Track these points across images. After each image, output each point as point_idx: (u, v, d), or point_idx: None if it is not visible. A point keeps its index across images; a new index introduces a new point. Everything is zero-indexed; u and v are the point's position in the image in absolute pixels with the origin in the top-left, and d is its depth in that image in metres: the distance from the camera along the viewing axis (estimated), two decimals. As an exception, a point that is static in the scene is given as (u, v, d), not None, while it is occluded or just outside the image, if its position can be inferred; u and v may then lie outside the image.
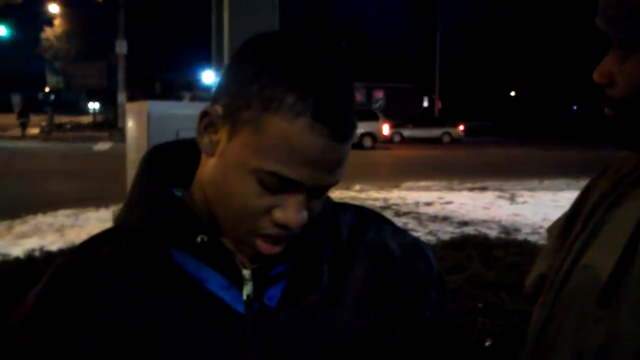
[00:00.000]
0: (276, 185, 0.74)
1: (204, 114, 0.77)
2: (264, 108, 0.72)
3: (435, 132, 31.15)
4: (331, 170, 0.75)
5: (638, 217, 0.90)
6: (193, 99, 26.41)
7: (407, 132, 30.71)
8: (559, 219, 1.12)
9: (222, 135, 0.76)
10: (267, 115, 0.72)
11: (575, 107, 46.04)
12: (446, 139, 31.13)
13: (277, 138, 0.71)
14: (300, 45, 0.76)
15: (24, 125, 30.48)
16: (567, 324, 0.94)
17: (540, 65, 40.85)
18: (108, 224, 0.88)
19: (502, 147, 27.41)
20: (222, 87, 0.77)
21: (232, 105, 0.74)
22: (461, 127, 32.35)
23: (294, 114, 0.71)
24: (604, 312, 0.88)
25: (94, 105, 44.14)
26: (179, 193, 0.83)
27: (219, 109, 0.76)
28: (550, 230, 1.14)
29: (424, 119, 32.83)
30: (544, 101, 42.65)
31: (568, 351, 0.93)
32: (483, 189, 12.19)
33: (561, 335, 0.95)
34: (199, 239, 0.78)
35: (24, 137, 28.74)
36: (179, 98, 29.66)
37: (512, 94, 46.17)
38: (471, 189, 12.12)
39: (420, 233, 7.57)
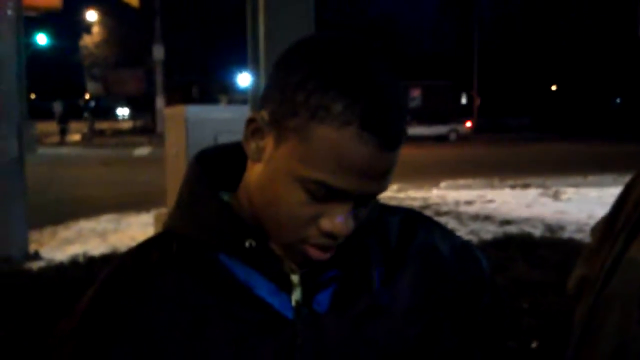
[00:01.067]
0: (323, 194, 0.73)
1: (251, 120, 0.76)
2: (310, 116, 0.70)
3: (442, 130, 29.89)
4: (379, 178, 0.73)
5: None
6: (229, 102, 26.68)
7: (411, 130, 29.68)
8: (602, 219, 1.10)
9: (269, 142, 0.75)
10: (314, 123, 0.70)
11: (619, 100, 44.90)
12: (453, 136, 30.12)
13: (324, 147, 0.70)
14: (347, 50, 0.73)
15: (63, 132, 31.24)
16: (609, 324, 0.93)
17: (582, 58, 40.01)
18: (149, 228, 0.90)
19: (538, 143, 26.84)
20: (269, 93, 0.76)
21: (278, 113, 0.73)
22: (468, 124, 31.54)
23: (341, 122, 0.69)
24: None
25: (123, 111, 44.38)
26: (226, 197, 0.83)
27: (265, 114, 0.75)
28: (593, 230, 1.12)
29: (428, 115, 31.27)
30: (587, 94, 41.73)
31: (611, 351, 0.92)
32: (525, 186, 11.97)
33: (603, 336, 0.94)
34: (247, 244, 0.78)
35: (63, 143, 29.43)
36: (215, 101, 29.98)
37: (553, 88, 45.24)
38: (513, 187, 11.92)
39: (462, 233, 7.48)
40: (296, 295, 0.80)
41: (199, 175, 0.83)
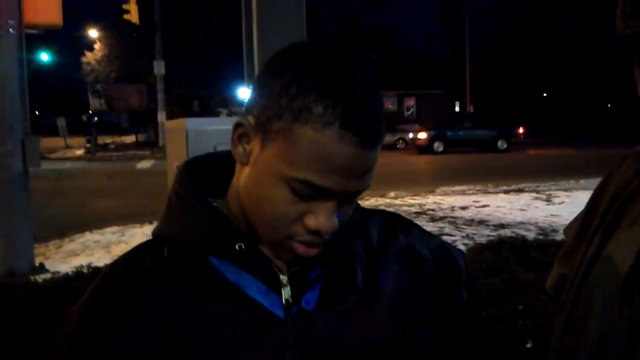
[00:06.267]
0: (307, 192, 0.76)
1: (238, 125, 0.80)
2: (294, 118, 0.74)
3: (389, 139, 28.81)
4: (360, 176, 0.77)
5: None
6: (229, 114, 26.71)
7: None
8: (575, 219, 1.09)
9: (255, 145, 0.78)
10: (297, 125, 0.73)
11: (609, 105, 45.15)
12: (400, 145, 29.70)
13: (307, 147, 0.73)
14: (328, 55, 0.77)
15: (89, 142, 31.70)
16: (592, 317, 0.92)
17: (572, 65, 40.18)
18: (154, 239, 0.92)
19: (531, 148, 26.84)
20: (254, 99, 0.79)
21: (263, 116, 0.76)
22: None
23: (323, 123, 0.73)
24: (627, 308, 0.86)
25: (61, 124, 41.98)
26: (214, 203, 0.86)
27: (251, 119, 0.78)
28: (566, 231, 1.10)
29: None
30: (577, 101, 41.88)
31: (593, 349, 0.91)
32: (519, 191, 12.12)
33: (584, 334, 0.93)
34: (237, 247, 0.81)
35: (92, 153, 29.89)
36: (215, 114, 30.03)
37: (545, 95, 45.45)
38: (506, 192, 12.03)
39: (457, 237, 7.58)
40: (285, 294, 0.83)
41: (187, 182, 0.86)
